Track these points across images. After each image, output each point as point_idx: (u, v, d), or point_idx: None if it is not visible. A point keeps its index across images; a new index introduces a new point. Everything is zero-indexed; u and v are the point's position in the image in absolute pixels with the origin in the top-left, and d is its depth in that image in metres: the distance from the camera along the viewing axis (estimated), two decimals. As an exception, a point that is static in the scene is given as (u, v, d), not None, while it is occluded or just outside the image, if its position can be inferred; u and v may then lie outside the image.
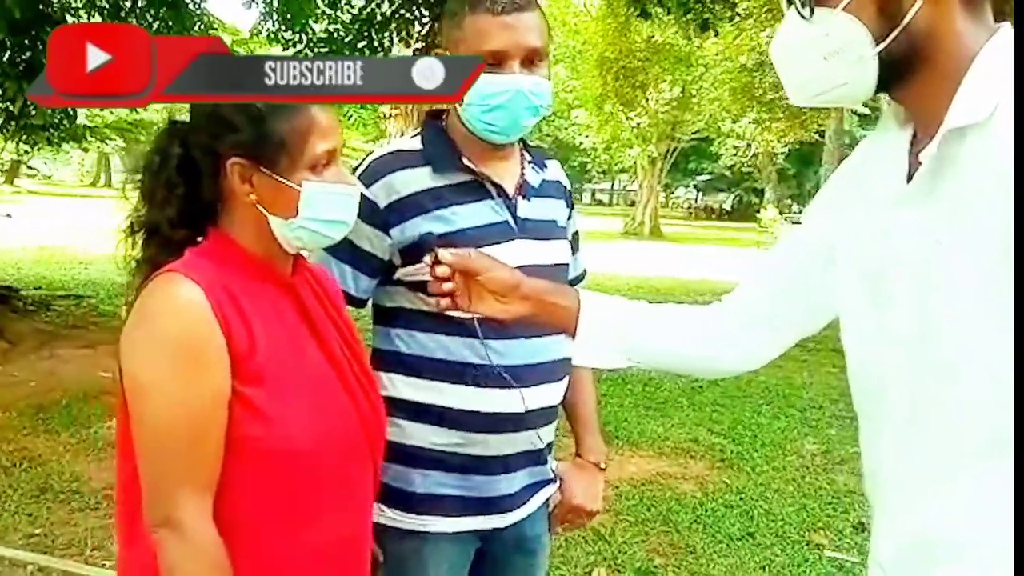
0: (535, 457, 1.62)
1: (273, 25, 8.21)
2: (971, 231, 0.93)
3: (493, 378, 1.50)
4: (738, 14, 8.16)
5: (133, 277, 1.22)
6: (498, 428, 1.54)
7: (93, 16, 8.15)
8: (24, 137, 7.82)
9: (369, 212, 1.47)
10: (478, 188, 1.55)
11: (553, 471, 1.71)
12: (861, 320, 1.11)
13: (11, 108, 7.15)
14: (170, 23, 7.70)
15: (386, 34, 7.21)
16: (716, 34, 8.46)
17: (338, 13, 7.74)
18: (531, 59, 1.47)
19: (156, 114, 30.39)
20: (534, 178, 1.62)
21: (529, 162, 1.64)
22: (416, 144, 1.57)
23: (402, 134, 17.11)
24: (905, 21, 0.95)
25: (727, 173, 35.47)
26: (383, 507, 1.53)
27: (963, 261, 0.94)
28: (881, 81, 1.00)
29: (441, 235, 1.47)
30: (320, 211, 1.22)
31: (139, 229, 1.23)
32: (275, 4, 7.75)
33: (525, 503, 1.63)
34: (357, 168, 1.55)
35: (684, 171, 41.60)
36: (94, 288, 9.35)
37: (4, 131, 7.45)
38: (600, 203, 51.60)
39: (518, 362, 1.51)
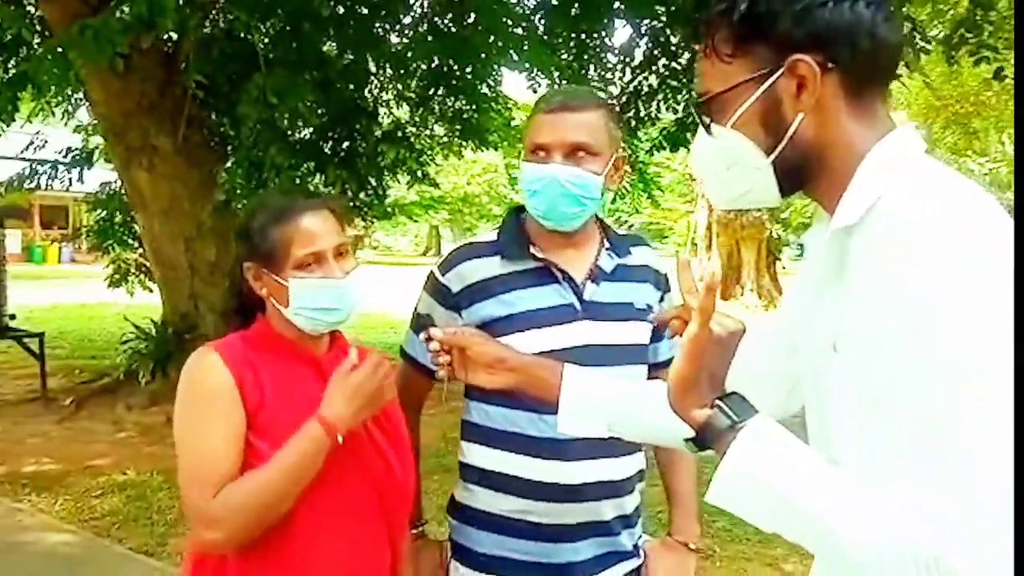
0: (603, 529, 1.67)
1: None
2: (849, 333, 0.96)
3: (549, 449, 1.60)
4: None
5: None
6: (555, 497, 1.62)
7: (401, 106, 9.23)
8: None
9: (443, 296, 1.71)
10: (545, 273, 1.68)
11: (638, 547, 1.74)
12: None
13: (332, 191, 8.21)
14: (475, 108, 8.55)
15: (653, 104, 7.43)
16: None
17: (610, 89, 8.08)
18: (574, 153, 1.61)
19: (478, 187, 33.18)
20: (608, 263, 1.73)
21: (607, 249, 1.74)
22: (492, 236, 1.77)
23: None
24: (789, 134, 1.01)
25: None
26: (457, 564, 1.70)
27: (842, 366, 0.97)
28: (785, 185, 1.05)
29: (502, 317, 1.64)
30: (307, 302, 1.49)
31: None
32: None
33: (595, 574, 1.67)
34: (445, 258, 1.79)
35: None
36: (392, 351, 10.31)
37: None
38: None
39: (570, 436, 1.56)
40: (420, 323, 1.70)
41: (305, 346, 1.53)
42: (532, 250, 1.68)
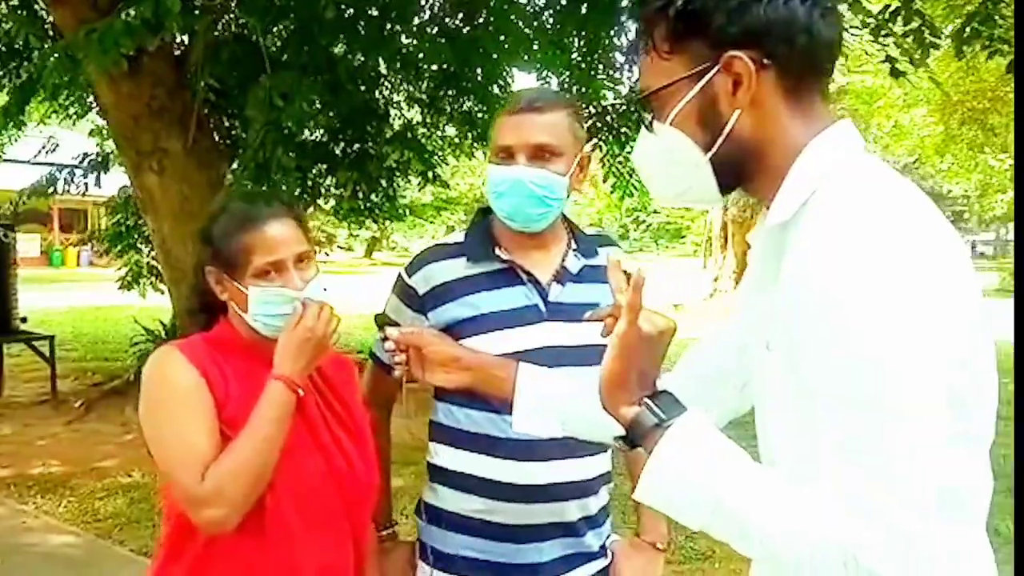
0: (568, 529, 1.66)
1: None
2: (781, 332, 0.94)
3: (512, 450, 1.59)
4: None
5: None
6: (518, 498, 1.61)
7: (412, 108, 9.22)
8: (353, 217, 8.97)
9: (410, 298, 1.71)
10: (510, 275, 1.69)
11: (605, 547, 1.73)
12: None
13: (343, 193, 8.24)
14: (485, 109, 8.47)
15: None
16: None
17: (618, 88, 8.05)
18: (539, 154, 1.61)
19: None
20: (574, 264, 1.72)
21: (574, 250, 1.74)
22: (459, 237, 1.78)
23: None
24: (726, 131, 1.00)
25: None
26: (423, 564, 1.69)
27: (775, 365, 0.97)
28: (724, 183, 1.05)
29: (467, 318, 1.62)
30: (264, 309, 1.51)
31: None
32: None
33: (561, 575, 1.66)
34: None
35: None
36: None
37: (337, 213, 8.60)
38: (983, 256, 44.84)
39: (530, 436, 1.54)
40: (382, 323, 1.68)
41: (266, 347, 1.53)
42: (498, 252, 1.69)
